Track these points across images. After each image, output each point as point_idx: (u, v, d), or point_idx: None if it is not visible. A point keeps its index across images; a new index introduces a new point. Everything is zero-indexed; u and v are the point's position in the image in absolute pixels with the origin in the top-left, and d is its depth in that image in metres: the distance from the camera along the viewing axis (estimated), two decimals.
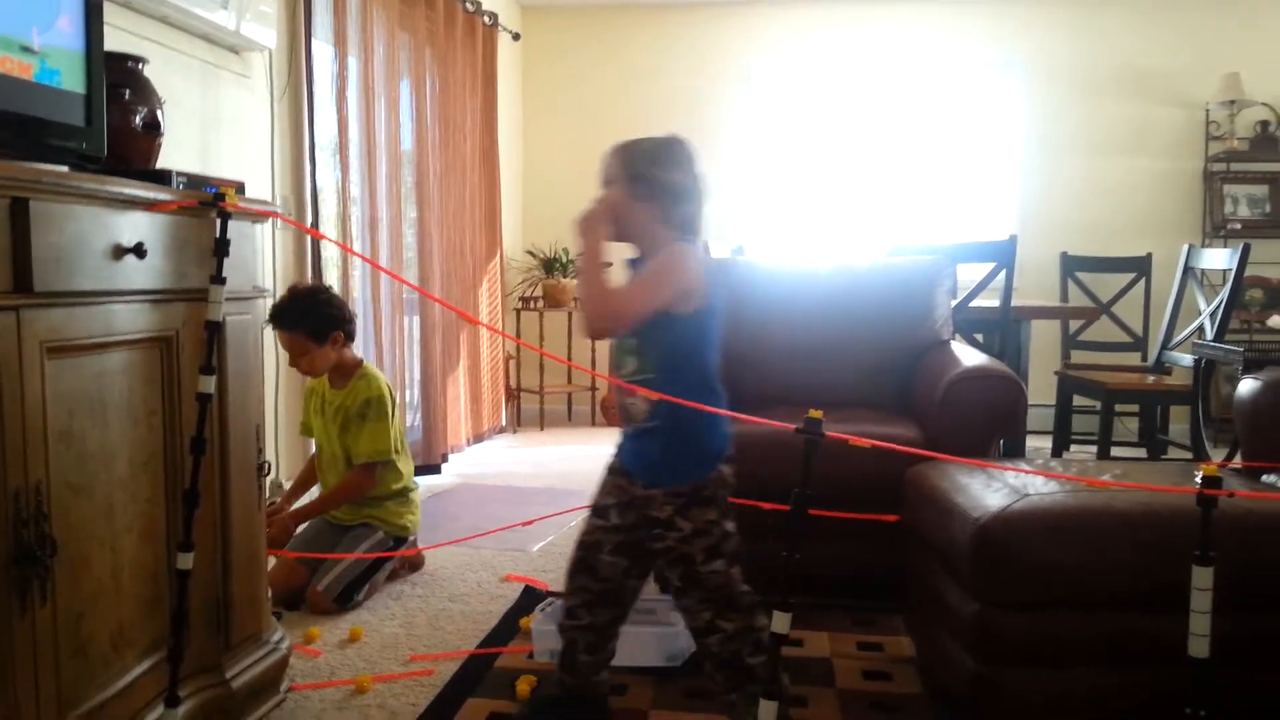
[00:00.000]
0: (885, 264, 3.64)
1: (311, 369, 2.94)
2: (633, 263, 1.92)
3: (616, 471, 1.95)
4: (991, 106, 6.02)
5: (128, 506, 1.72)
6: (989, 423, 2.75)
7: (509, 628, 2.59)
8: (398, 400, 3.34)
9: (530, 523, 3.37)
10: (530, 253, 6.20)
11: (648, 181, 1.85)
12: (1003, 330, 4.03)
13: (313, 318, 2.88)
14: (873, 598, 2.75)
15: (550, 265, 6.07)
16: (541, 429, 6.05)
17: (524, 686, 2.18)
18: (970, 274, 4.10)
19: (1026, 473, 2.13)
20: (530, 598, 2.81)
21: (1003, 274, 3.93)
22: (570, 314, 6.13)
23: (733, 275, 3.54)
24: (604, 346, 6.17)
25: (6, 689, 1.43)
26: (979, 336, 4.14)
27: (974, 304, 4.04)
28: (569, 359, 5.45)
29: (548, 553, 3.33)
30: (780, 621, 1.76)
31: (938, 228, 5.95)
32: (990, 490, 2.00)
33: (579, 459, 5.13)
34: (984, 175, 6.04)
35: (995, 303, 4.05)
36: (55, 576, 1.52)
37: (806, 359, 3.32)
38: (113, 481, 1.68)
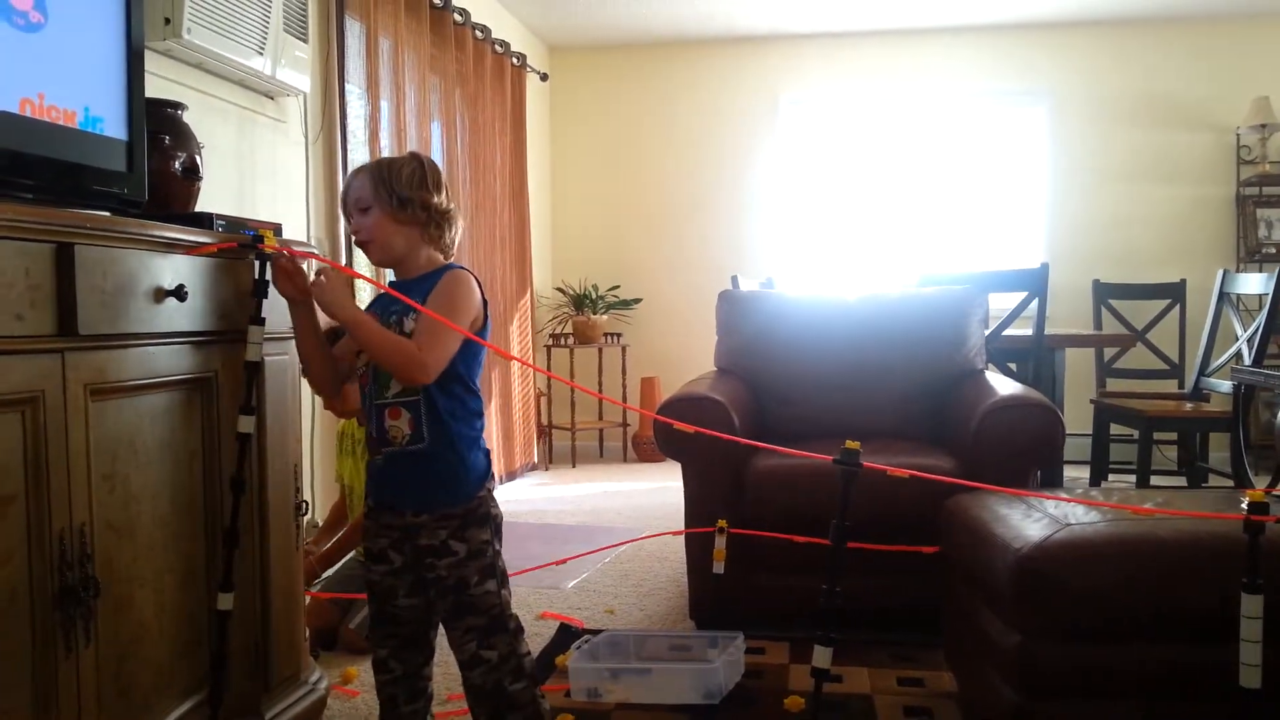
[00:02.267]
0: (916, 294, 3.63)
1: (345, 408, 2.95)
2: (397, 285, 1.90)
3: (379, 509, 1.89)
4: (1019, 135, 6.02)
5: (169, 547, 1.74)
6: (1026, 452, 2.73)
7: (545, 666, 2.58)
8: None
9: (564, 561, 3.36)
10: (560, 289, 6.23)
11: (412, 205, 1.85)
12: (1036, 359, 4.00)
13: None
14: (912, 631, 2.71)
15: (580, 302, 6.10)
16: (573, 466, 6.05)
17: None
18: (1002, 303, 4.08)
19: (1067, 502, 2.11)
20: (566, 635, 2.80)
21: (1035, 302, 3.91)
22: (600, 350, 6.15)
23: (762, 307, 3.55)
24: (635, 380, 6.18)
25: None
26: (1012, 365, 4.11)
27: (1007, 333, 4.01)
28: (600, 394, 5.44)
29: (583, 589, 3.32)
30: (821, 656, 1.74)
31: (967, 257, 5.94)
32: (1030, 520, 1.98)
33: (611, 495, 5.12)
34: (1013, 204, 6.03)
35: (1028, 331, 4.02)
36: (98, 617, 1.53)
37: (837, 390, 3.31)
38: (154, 522, 1.70)
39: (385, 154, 4.06)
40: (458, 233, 1.93)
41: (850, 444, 1.80)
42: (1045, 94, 5.94)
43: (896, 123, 6.12)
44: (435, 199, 1.86)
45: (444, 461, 1.83)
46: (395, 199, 1.82)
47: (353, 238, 1.90)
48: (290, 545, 2.07)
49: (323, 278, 1.81)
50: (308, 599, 2.78)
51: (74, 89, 1.69)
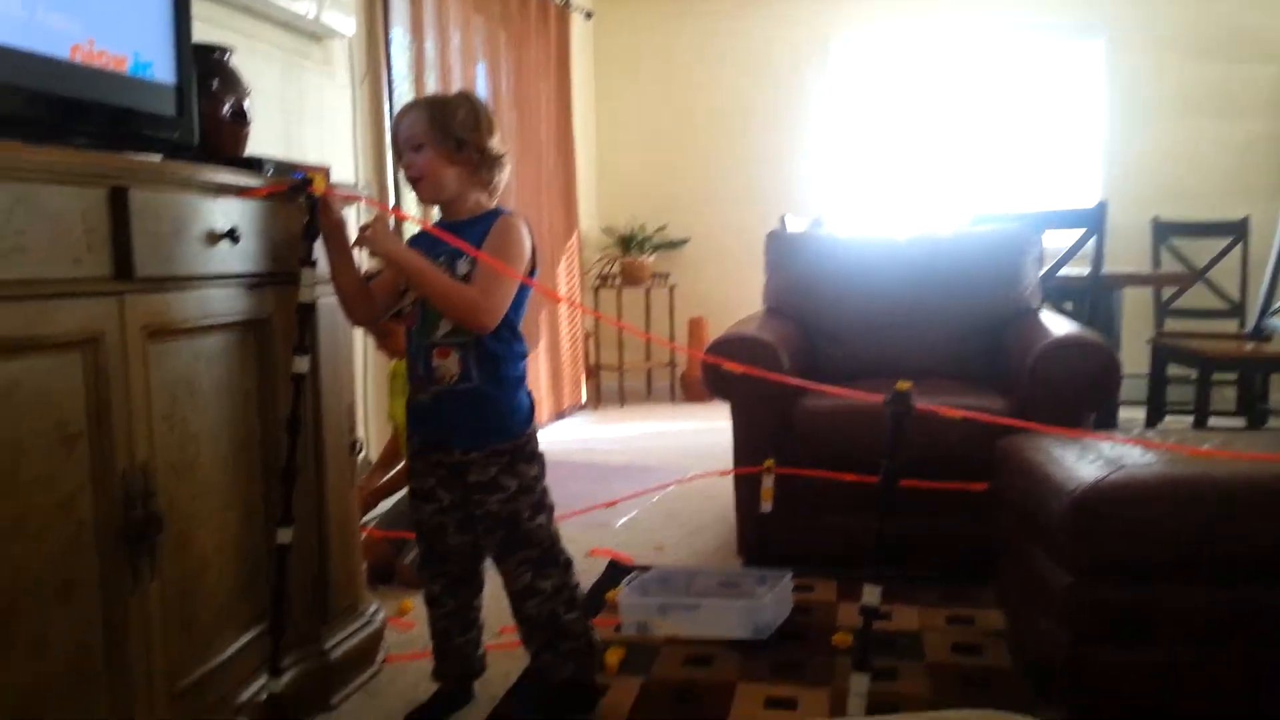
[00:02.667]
0: (969, 233, 3.58)
1: (396, 348, 2.98)
2: (445, 227, 1.90)
3: (426, 448, 1.92)
4: (1075, 70, 5.83)
5: (228, 486, 1.78)
6: (1081, 393, 2.69)
7: (596, 601, 2.61)
8: None
9: (614, 504, 3.40)
10: (608, 230, 6.21)
11: (467, 146, 1.84)
12: (1093, 298, 3.92)
13: None
14: (962, 570, 2.71)
15: (627, 242, 6.08)
16: (621, 405, 6.07)
17: (613, 659, 2.20)
18: (1058, 242, 3.99)
19: (1122, 443, 2.08)
20: (616, 572, 2.83)
21: (1092, 240, 3.82)
22: (648, 290, 6.14)
23: (811, 247, 3.51)
24: (682, 321, 6.17)
25: (120, 660, 1.50)
26: (1068, 305, 4.03)
27: (1063, 272, 3.93)
28: (648, 335, 5.44)
29: (632, 527, 3.36)
30: (871, 594, 1.75)
31: (1021, 195, 5.80)
32: (1085, 461, 1.95)
33: (659, 435, 5.15)
34: (1069, 140, 5.86)
35: (1085, 270, 3.94)
36: (162, 553, 1.58)
37: (889, 331, 3.28)
38: (213, 461, 1.74)
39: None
40: (506, 176, 1.93)
41: (901, 385, 1.78)
42: (1102, 27, 5.74)
43: (949, 59, 5.96)
44: (489, 142, 1.86)
45: (493, 400, 1.85)
46: (451, 139, 1.82)
47: (403, 174, 1.89)
48: (346, 482, 2.11)
49: (377, 224, 1.83)
50: (364, 535, 2.84)
51: (123, 34, 1.69)
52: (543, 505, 1.91)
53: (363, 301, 1.92)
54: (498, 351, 1.85)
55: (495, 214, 1.89)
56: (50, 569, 1.38)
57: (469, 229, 1.86)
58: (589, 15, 6.10)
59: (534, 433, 1.93)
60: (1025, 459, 2.14)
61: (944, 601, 2.56)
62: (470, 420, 1.86)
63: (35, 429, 1.35)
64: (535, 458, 1.91)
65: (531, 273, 1.90)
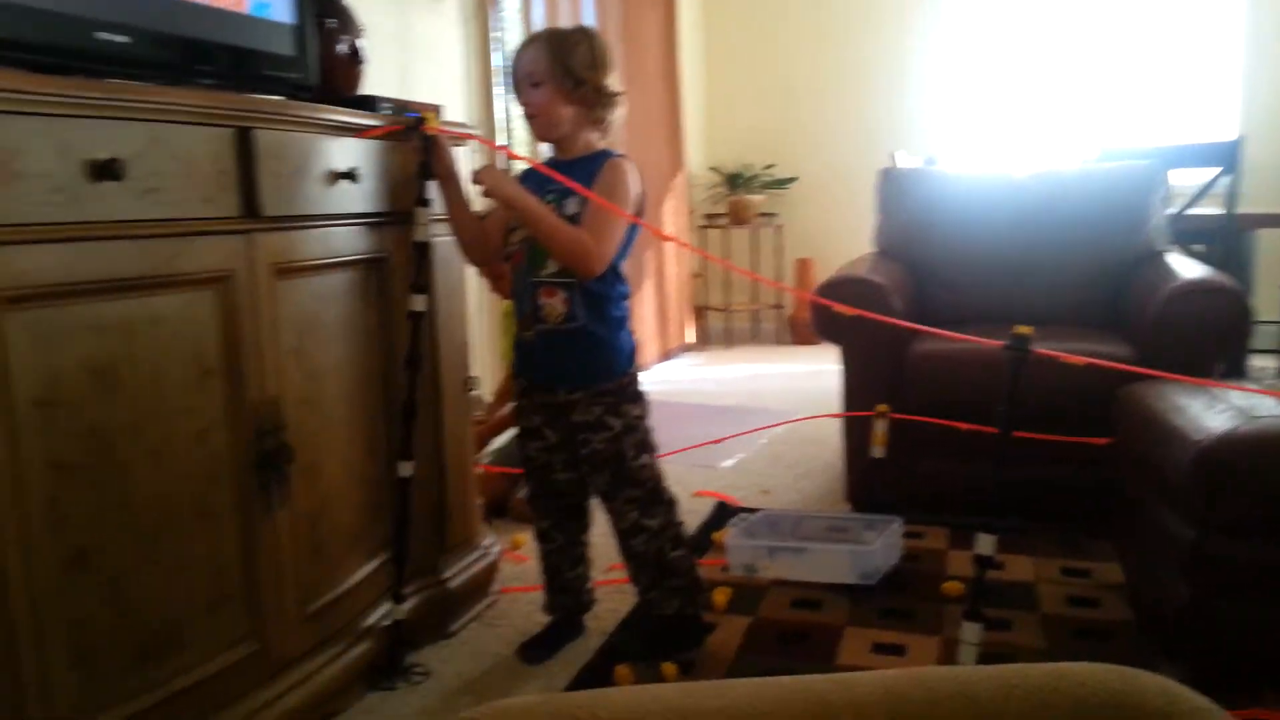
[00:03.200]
0: (1092, 170, 3.42)
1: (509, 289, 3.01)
2: (556, 165, 1.89)
3: (531, 389, 1.94)
4: None
5: (352, 419, 1.84)
6: (1209, 340, 2.57)
7: (703, 541, 2.64)
8: None
9: (720, 440, 3.40)
10: (714, 169, 6.15)
11: (585, 86, 1.82)
12: (1226, 241, 3.73)
13: None
14: (1079, 521, 2.64)
15: (735, 181, 6.01)
16: (727, 347, 6.06)
17: (720, 598, 2.22)
18: (1189, 179, 3.80)
19: (1253, 393, 1.99)
20: (723, 512, 2.85)
21: (1226, 178, 3.63)
22: (756, 230, 6.07)
23: (925, 185, 3.41)
24: (790, 261, 6.10)
25: (255, 582, 1.57)
26: (1200, 248, 3.85)
27: (1194, 212, 3.75)
28: (755, 275, 5.36)
29: (738, 469, 3.36)
30: (985, 544, 1.72)
31: (1151, 129, 5.52)
32: (1213, 411, 1.88)
33: (765, 377, 5.12)
34: (1203, 70, 5.54)
35: (1218, 210, 3.75)
36: (292, 482, 1.64)
37: (1005, 274, 3.18)
38: (338, 396, 1.80)
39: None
40: (619, 115, 1.91)
41: (1020, 329, 1.73)
42: None
43: None
44: (606, 81, 1.85)
45: (597, 340, 1.87)
46: (570, 78, 1.82)
47: (523, 110, 1.90)
48: (463, 418, 2.16)
49: (492, 166, 1.85)
50: (479, 470, 2.91)
51: None
52: (647, 445, 1.93)
53: (480, 243, 1.95)
54: (602, 292, 1.86)
55: (605, 155, 1.88)
56: (190, 495, 1.45)
57: (579, 168, 1.86)
58: None
59: (637, 373, 1.94)
60: (1149, 408, 2.06)
61: (1059, 552, 2.51)
62: (574, 360, 1.88)
63: (176, 363, 1.42)
64: (639, 398, 1.93)
65: (640, 214, 1.90)
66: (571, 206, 1.84)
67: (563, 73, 1.82)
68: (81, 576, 1.29)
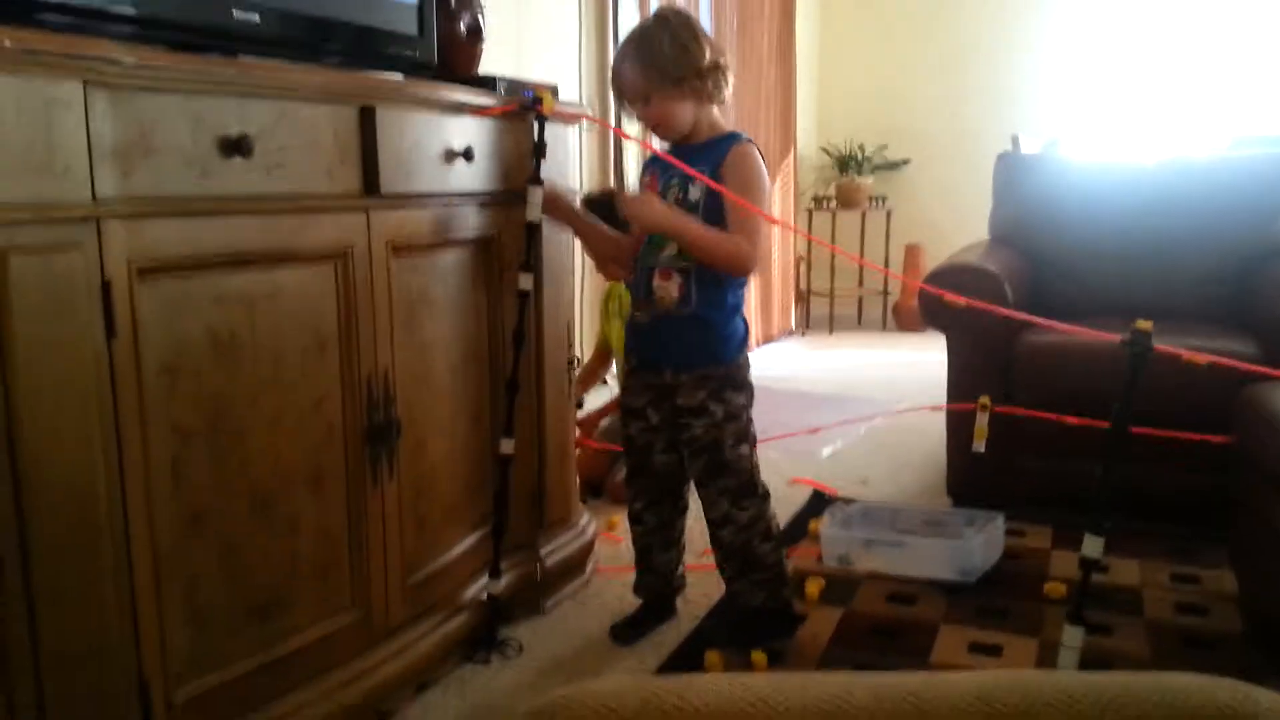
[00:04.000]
0: (1225, 158, 3.28)
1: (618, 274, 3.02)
2: (681, 150, 1.89)
3: (641, 368, 1.95)
4: None
5: (458, 394, 1.88)
6: None
7: (798, 530, 2.63)
8: None
9: (817, 430, 3.37)
10: (825, 150, 6.06)
11: (686, 78, 1.81)
12: None
13: (613, 221, 2.92)
14: (1191, 525, 2.55)
15: (845, 163, 5.92)
16: (830, 333, 5.98)
17: (813, 589, 2.21)
18: None
19: None
20: (819, 502, 2.83)
21: None
22: (864, 213, 5.97)
23: (1046, 171, 3.31)
24: (900, 248, 5.98)
25: (361, 551, 1.63)
26: None
27: None
28: (862, 260, 5.27)
29: (836, 458, 3.33)
30: (1092, 545, 1.68)
31: None
32: None
33: (868, 364, 5.05)
34: None
35: None
36: (400, 455, 1.69)
37: (1126, 265, 3.07)
38: (446, 371, 1.84)
39: (653, 8, 4.02)
40: (731, 79, 1.90)
41: (1141, 324, 1.67)
42: None
43: None
44: (703, 59, 1.83)
45: (707, 325, 1.87)
46: (669, 79, 1.82)
47: (644, 125, 1.93)
48: (564, 397, 2.19)
49: (642, 198, 1.86)
50: (578, 450, 2.95)
51: None
52: (746, 434, 1.92)
53: (619, 258, 1.99)
54: (718, 276, 1.86)
55: (729, 139, 1.87)
56: (303, 462, 1.51)
57: (703, 153, 1.87)
58: None
59: (745, 361, 1.93)
60: (1274, 410, 1.97)
61: (1169, 557, 2.42)
62: (683, 343, 1.89)
63: (294, 335, 1.47)
64: (744, 386, 1.92)
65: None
66: (695, 192, 1.85)
67: (660, 77, 1.82)
68: (198, 537, 1.35)
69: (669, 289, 1.87)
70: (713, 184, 1.81)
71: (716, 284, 1.86)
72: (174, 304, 1.29)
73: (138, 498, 1.25)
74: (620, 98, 1.91)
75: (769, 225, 5.17)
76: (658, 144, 2.07)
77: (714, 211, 1.83)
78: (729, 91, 1.89)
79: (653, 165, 1.93)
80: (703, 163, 1.84)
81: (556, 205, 1.97)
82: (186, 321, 1.31)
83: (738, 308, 1.91)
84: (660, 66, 1.81)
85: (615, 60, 1.92)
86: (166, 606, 1.31)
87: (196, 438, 1.33)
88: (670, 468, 1.99)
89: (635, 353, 1.98)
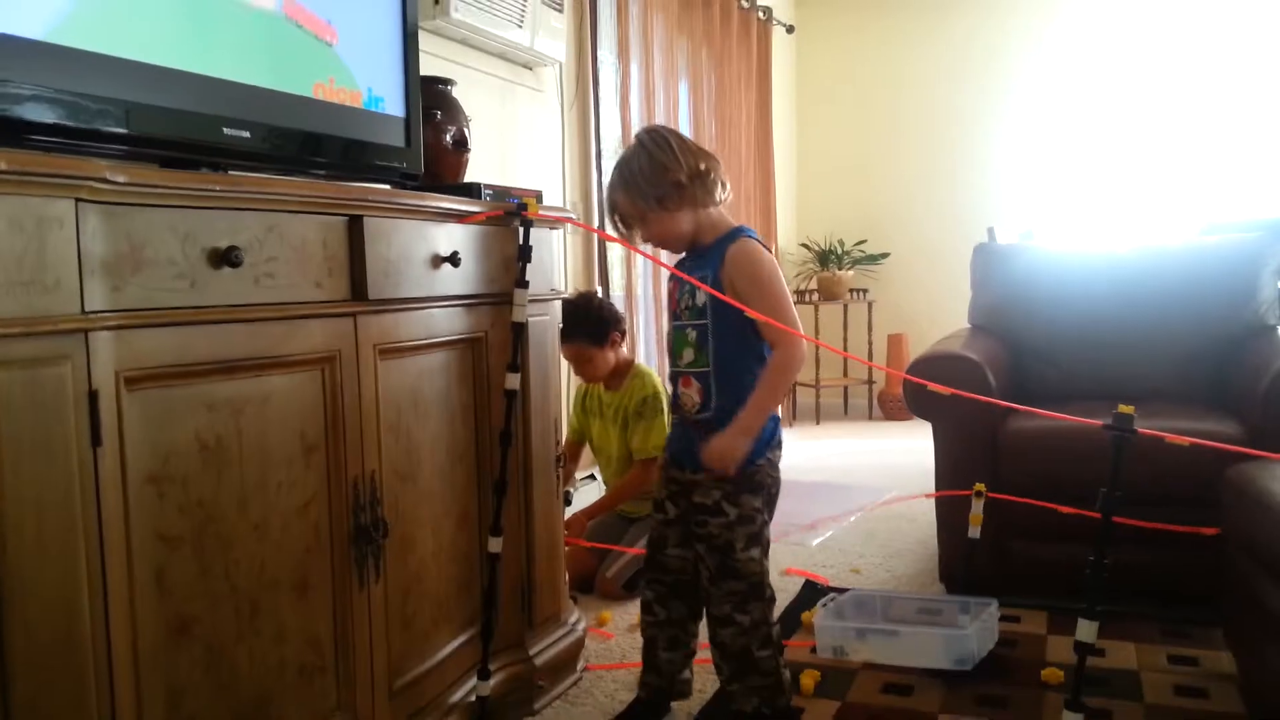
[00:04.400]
0: (1198, 243, 3.35)
1: (595, 373, 3.05)
2: (690, 256, 1.95)
3: (668, 464, 1.98)
4: None
5: (445, 494, 1.89)
6: None
7: (791, 621, 2.60)
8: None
9: (814, 525, 3.36)
10: (805, 245, 6.17)
11: (669, 195, 1.85)
12: None
13: (589, 324, 2.96)
14: (1186, 607, 2.54)
15: (825, 258, 6.02)
16: (817, 423, 6.01)
17: (808, 681, 2.18)
18: None
19: None
20: (812, 592, 2.81)
21: None
22: (846, 305, 6.05)
23: (1022, 260, 3.38)
24: (883, 338, 6.05)
25: (348, 655, 1.61)
26: None
27: None
28: (846, 352, 5.33)
29: (827, 547, 3.32)
30: (1086, 630, 1.67)
31: (1260, 201, 5.37)
32: None
33: (856, 453, 5.06)
34: None
35: None
36: (386, 556, 1.69)
37: (1105, 349, 3.12)
38: (433, 470, 1.84)
39: (635, 118, 4.15)
40: (721, 177, 1.93)
41: (1124, 408, 1.69)
42: None
43: (1172, 50, 5.55)
44: (682, 172, 1.86)
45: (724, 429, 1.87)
46: (655, 199, 1.87)
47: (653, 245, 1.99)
48: (551, 494, 2.19)
49: (719, 450, 1.84)
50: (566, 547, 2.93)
51: (358, 72, 1.83)
52: (759, 539, 1.91)
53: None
54: (740, 380, 1.87)
55: (728, 239, 1.90)
56: (289, 568, 1.50)
57: (709, 255, 1.91)
58: (790, 29, 6.10)
59: (767, 464, 1.92)
60: (1260, 489, 1.98)
61: (1165, 639, 2.40)
62: (702, 444, 1.89)
63: (281, 439, 1.48)
64: (760, 489, 1.91)
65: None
66: (702, 297, 1.89)
67: (648, 200, 1.87)
68: (183, 646, 1.34)
69: (690, 395, 1.91)
70: (710, 290, 1.85)
71: (737, 386, 1.87)
72: (161, 412, 1.30)
73: (121, 608, 1.24)
74: (620, 225, 1.96)
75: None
76: (665, 256, 2.12)
77: (721, 313, 1.87)
78: (724, 191, 1.92)
79: (673, 278, 1.98)
80: (707, 266, 1.89)
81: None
82: (174, 429, 1.32)
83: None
84: (642, 190, 1.87)
85: (607, 191, 1.97)
86: (149, 717, 1.29)
87: (182, 545, 1.33)
88: (681, 563, 1.98)
89: (667, 449, 2.02)
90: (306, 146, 1.72)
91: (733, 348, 1.88)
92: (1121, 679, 2.19)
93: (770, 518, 1.96)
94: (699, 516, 1.91)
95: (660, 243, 1.94)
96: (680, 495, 1.95)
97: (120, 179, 1.20)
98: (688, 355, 1.92)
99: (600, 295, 3.12)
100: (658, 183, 1.86)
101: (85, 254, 1.17)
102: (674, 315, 1.96)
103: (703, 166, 1.89)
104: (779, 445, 1.96)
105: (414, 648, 1.80)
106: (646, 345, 4.38)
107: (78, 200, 1.16)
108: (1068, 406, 2.43)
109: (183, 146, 1.48)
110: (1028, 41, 5.85)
